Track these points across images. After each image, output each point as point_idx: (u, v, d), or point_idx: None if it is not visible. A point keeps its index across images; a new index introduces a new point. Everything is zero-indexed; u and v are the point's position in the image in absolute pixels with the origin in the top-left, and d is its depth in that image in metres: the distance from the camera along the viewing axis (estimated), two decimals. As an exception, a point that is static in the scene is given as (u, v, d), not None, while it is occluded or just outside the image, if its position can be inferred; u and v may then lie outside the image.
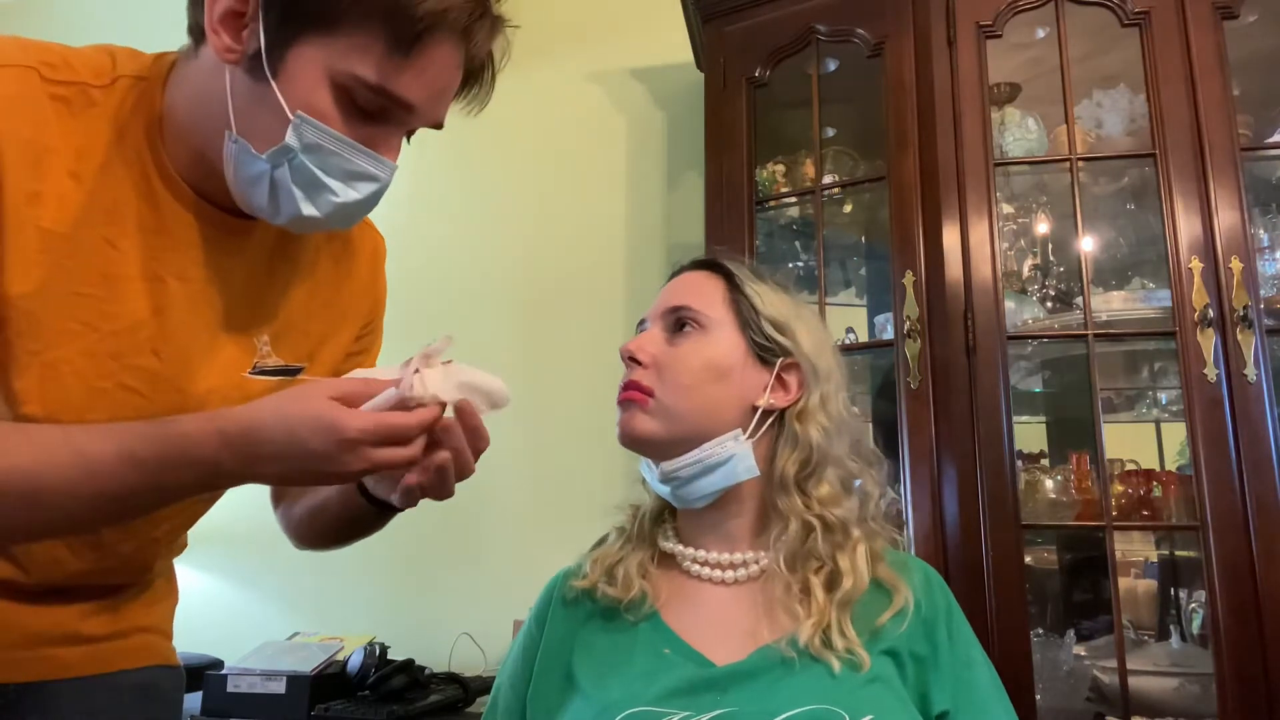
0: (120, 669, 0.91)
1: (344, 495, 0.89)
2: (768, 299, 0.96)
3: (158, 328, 0.79)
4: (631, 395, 0.92)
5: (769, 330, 0.94)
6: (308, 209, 0.76)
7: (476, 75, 0.80)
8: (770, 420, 0.93)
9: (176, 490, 0.71)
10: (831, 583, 0.86)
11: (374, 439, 0.69)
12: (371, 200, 0.79)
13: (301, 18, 0.71)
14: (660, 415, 0.90)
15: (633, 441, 0.92)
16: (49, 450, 0.68)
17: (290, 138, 0.73)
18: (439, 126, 0.80)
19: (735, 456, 0.89)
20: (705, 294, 0.96)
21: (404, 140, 0.81)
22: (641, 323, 0.99)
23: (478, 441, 0.76)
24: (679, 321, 0.94)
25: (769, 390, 0.92)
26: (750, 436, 0.91)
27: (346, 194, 0.76)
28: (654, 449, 0.93)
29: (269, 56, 0.72)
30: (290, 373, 0.88)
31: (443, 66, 0.76)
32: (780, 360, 0.93)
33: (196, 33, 0.77)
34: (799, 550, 0.88)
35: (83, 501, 0.68)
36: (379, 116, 0.75)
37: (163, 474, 0.69)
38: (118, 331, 0.77)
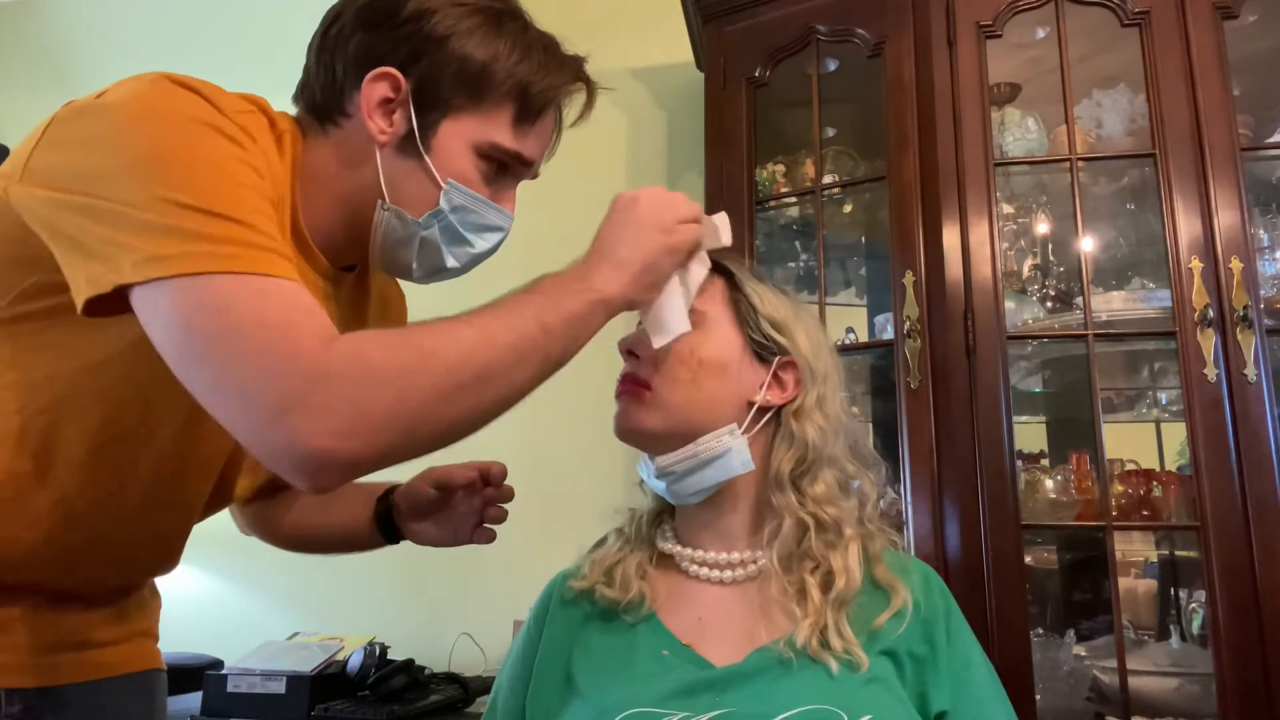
0: (125, 672, 0.94)
1: (361, 531, 1.05)
2: (766, 299, 0.96)
3: None
4: (629, 388, 0.92)
5: (767, 328, 0.94)
6: (450, 262, 0.88)
7: (559, 129, 0.94)
8: (767, 418, 0.93)
9: (576, 314, 0.77)
10: (826, 583, 0.86)
11: (667, 199, 0.86)
12: (495, 249, 0.91)
13: (448, 101, 0.83)
14: (657, 408, 0.91)
15: (629, 434, 0.93)
16: (468, 314, 0.75)
17: (443, 202, 0.84)
18: (536, 176, 0.93)
19: (731, 451, 0.89)
20: (704, 291, 0.96)
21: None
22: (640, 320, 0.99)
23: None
24: None
25: (765, 387, 0.92)
26: (746, 431, 0.91)
27: (480, 245, 0.89)
28: (650, 442, 0.93)
29: (421, 136, 0.83)
30: None
31: (550, 127, 0.90)
32: (777, 358, 0.93)
33: (324, 113, 0.85)
34: (794, 550, 0.88)
35: (509, 329, 0.74)
36: (503, 174, 0.88)
37: (558, 297, 0.77)
38: None
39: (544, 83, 0.86)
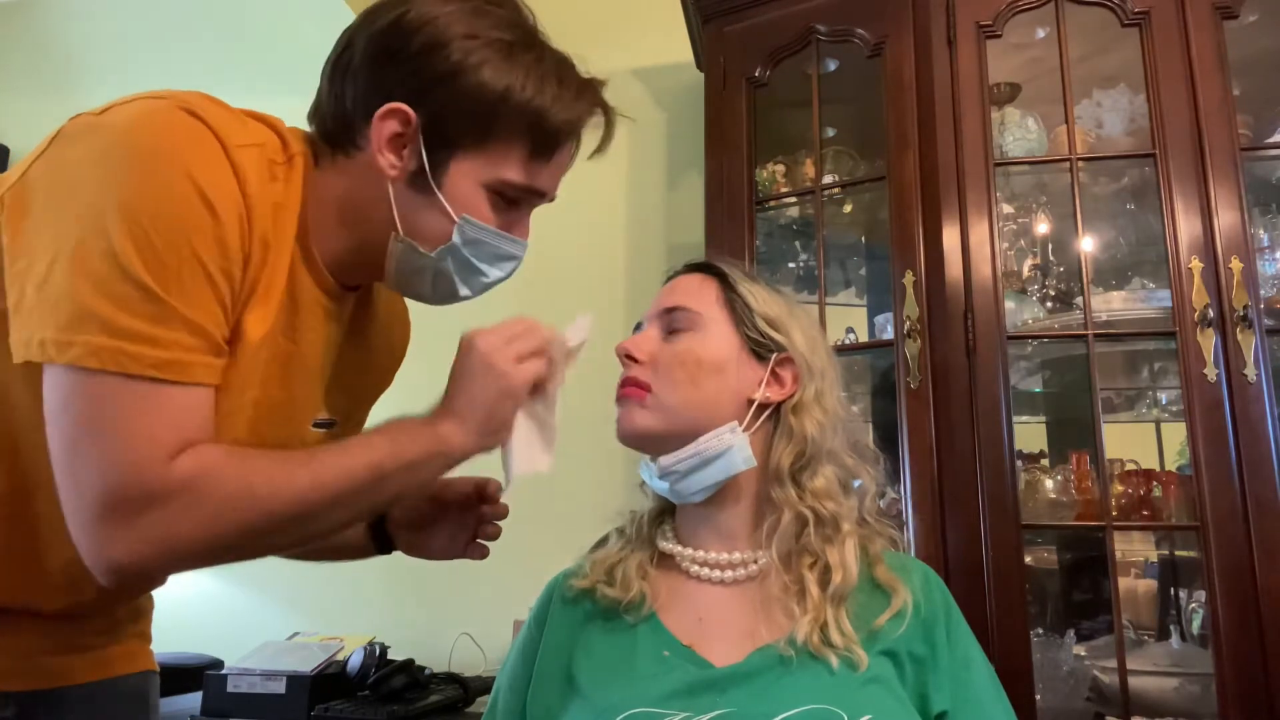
0: (118, 674, 0.94)
1: (354, 540, 1.03)
2: (761, 297, 0.96)
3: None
4: (629, 391, 0.93)
5: (762, 326, 0.94)
6: (464, 290, 0.89)
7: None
8: (767, 414, 0.93)
9: (416, 461, 0.80)
10: (824, 579, 0.87)
11: (504, 338, 0.83)
12: (509, 275, 0.91)
13: (457, 139, 0.82)
14: (658, 410, 0.91)
15: (631, 437, 0.93)
16: (311, 453, 0.78)
17: (456, 236, 0.84)
18: (552, 200, 0.92)
19: (733, 448, 0.90)
20: (699, 294, 0.96)
21: None
22: (638, 325, 0.99)
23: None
24: (674, 320, 0.95)
25: (764, 384, 0.93)
26: (747, 429, 0.91)
27: (493, 274, 0.89)
28: (652, 444, 0.93)
29: (433, 171, 0.83)
30: (329, 425, 0.96)
31: (566, 159, 0.90)
32: (775, 355, 0.94)
33: (337, 140, 0.85)
34: (794, 546, 0.89)
35: (344, 476, 0.76)
36: (517, 205, 0.88)
37: (401, 442, 0.80)
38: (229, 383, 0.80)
39: (559, 118, 0.84)
